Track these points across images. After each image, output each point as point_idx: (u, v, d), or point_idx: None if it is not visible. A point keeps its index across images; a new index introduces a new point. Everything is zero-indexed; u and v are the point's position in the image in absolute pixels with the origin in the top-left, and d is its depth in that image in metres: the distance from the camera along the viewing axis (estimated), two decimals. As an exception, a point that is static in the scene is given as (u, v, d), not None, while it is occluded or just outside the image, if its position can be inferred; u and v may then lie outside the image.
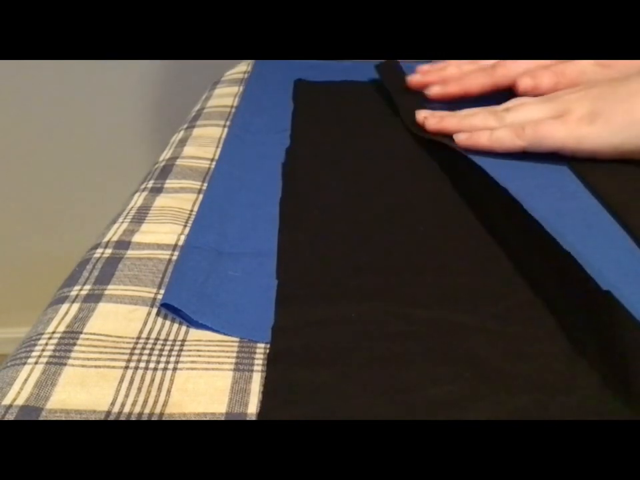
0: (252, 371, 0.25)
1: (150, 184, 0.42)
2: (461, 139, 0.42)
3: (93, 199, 1.21)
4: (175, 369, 0.25)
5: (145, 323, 0.28)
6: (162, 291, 0.30)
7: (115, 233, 0.35)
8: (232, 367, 0.25)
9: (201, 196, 0.39)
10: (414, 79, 0.49)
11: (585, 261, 0.28)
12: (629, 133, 0.39)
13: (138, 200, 0.39)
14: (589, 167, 0.39)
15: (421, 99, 0.49)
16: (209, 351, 0.26)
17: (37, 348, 0.26)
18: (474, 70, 0.47)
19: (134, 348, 0.26)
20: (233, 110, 0.55)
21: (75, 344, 0.27)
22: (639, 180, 0.38)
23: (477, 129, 0.42)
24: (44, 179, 1.19)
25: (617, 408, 0.22)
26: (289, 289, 0.30)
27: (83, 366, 0.25)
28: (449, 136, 0.42)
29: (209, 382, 0.25)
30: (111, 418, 0.23)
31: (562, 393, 0.23)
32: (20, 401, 0.24)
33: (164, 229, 0.35)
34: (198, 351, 0.26)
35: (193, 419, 0.23)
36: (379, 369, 0.25)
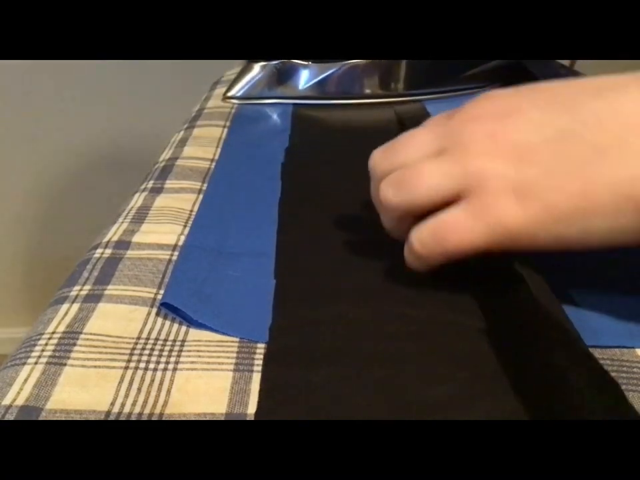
0: (252, 371, 0.25)
1: (150, 184, 0.42)
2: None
3: (93, 199, 1.21)
4: (174, 369, 0.25)
5: (145, 323, 0.28)
6: (162, 291, 0.30)
7: (115, 233, 0.35)
8: (232, 367, 0.25)
9: (200, 196, 0.39)
10: None
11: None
12: (582, 224, 0.24)
13: (138, 200, 0.39)
14: None
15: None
16: (208, 351, 0.26)
17: (37, 348, 0.27)
18: None
19: (134, 348, 0.26)
20: (233, 110, 0.55)
21: (74, 344, 0.27)
22: None
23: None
24: (43, 179, 1.19)
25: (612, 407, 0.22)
26: (286, 288, 0.30)
27: (82, 366, 0.25)
28: None
29: (209, 382, 0.25)
30: (111, 418, 0.23)
31: (561, 392, 0.23)
32: (20, 401, 0.24)
33: (164, 229, 0.35)
34: (198, 351, 0.26)
35: (193, 419, 0.23)
36: (376, 369, 0.25)
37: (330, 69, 0.53)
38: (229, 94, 0.56)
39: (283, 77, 0.54)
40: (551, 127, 0.24)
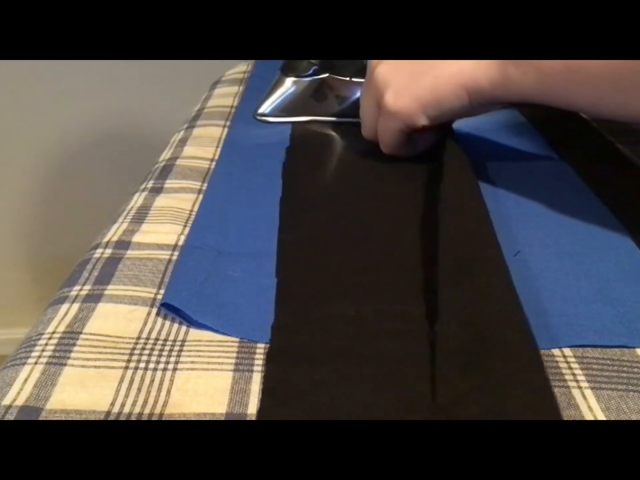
0: (252, 371, 0.25)
1: (150, 184, 0.42)
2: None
3: (93, 199, 1.21)
4: (174, 369, 0.25)
5: (145, 323, 0.28)
6: (162, 291, 0.30)
7: (115, 233, 0.35)
8: (232, 367, 0.25)
9: (200, 196, 0.39)
10: None
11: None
12: (438, 108, 0.38)
13: (138, 200, 0.39)
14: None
15: None
16: (209, 351, 0.26)
17: (37, 348, 0.27)
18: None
19: (134, 348, 0.26)
20: (233, 110, 0.55)
21: (74, 344, 0.27)
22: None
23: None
24: (43, 179, 1.19)
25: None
26: (288, 287, 0.30)
27: (82, 366, 0.25)
28: None
29: (209, 382, 0.25)
30: (111, 418, 0.23)
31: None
32: (20, 401, 0.24)
33: (164, 229, 0.35)
34: (198, 351, 0.26)
35: (193, 419, 0.23)
36: (378, 367, 0.25)
37: None
38: (260, 111, 0.51)
39: (319, 93, 0.49)
40: (409, 67, 0.39)
